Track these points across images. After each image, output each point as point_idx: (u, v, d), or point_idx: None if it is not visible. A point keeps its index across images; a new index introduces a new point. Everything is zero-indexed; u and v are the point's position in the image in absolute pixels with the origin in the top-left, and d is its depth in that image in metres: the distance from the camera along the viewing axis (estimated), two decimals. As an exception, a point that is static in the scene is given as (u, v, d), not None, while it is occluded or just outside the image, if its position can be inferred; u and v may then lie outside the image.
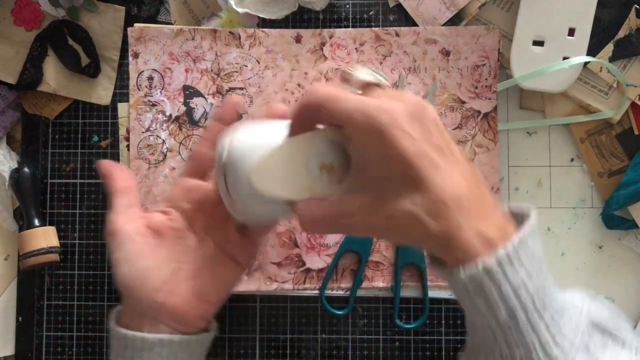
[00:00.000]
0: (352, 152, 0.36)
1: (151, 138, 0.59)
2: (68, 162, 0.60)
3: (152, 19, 0.60)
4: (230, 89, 0.59)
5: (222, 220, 0.44)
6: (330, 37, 0.58)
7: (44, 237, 0.57)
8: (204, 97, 0.59)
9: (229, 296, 0.46)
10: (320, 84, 0.40)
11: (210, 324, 0.46)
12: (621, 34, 0.57)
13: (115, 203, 0.44)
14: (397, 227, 0.34)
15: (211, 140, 0.44)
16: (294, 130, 0.38)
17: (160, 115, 0.59)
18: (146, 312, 0.42)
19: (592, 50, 0.57)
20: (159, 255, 0.43)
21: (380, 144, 0.33)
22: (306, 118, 0.37)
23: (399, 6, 0.59)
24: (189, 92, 0.59)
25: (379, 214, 0.34)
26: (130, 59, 0.59)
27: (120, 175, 0.46)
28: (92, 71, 0.59)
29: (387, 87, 0.37)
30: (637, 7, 0.57)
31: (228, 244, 0.44)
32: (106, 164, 0.47)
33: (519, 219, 0.35)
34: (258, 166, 0.38)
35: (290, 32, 0.59)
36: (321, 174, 0.38)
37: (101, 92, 0.60)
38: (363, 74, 0.37)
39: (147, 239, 0.43)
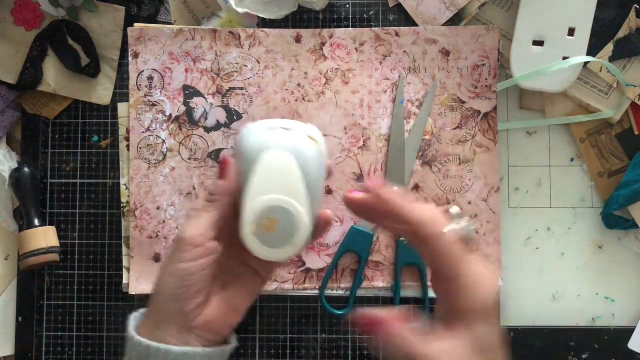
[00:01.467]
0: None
1: (151, 138, 0.59)
2: (68, 162, 0.60)
3: (152, 19, 0.60)
4: (230, 89, 0.59)
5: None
6: (330, 37, 0.58)
7: (44, 237, 0.57)
8: (204, 97, 0.59)
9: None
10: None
11: (231, 336, 0.47)
12: (621, 34, 0.57)
13: (202, 208, 0.44)
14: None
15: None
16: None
17: (160, 115, 0.59)
18: (178, 319, 0.43)
19: (592, 50, 0.57)
20: (204, 267, 0.43)
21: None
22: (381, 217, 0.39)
23: (399, 6, 0.59)
24: (189, 92, 0.59)
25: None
26: (130, 59, 0.59)
27: (226, 183, 0.44)
28: (92, 71, 0.59)
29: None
30: (637, 7, 0.57)
31: (250, 259, 0.45)
32: (229, 165, 0.44)
33: None
34: None
35: (290, 32, 0.59)
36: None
37: (101, 92, 0.60)
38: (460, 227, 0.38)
39: (203, 251, 0.43)
